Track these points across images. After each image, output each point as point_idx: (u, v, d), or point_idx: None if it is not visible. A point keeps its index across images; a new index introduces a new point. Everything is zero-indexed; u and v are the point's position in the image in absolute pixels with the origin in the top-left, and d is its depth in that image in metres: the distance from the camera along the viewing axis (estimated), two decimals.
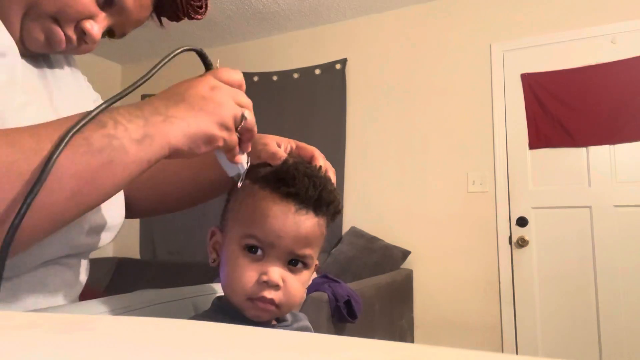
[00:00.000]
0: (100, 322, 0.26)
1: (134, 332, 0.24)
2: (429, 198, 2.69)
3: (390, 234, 2.65)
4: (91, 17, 0.56)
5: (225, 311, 0.55)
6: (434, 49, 2.79)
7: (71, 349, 0.20)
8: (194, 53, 0.53)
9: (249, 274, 0.51)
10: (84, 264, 0.64)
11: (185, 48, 0.51)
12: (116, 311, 0.56)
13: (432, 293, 2.62)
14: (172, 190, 0.74)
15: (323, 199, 0.54)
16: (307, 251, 0.54)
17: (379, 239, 2.59)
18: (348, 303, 1.73)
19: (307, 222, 0.53)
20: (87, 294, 0.64)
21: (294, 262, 0.54)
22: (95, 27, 0.57)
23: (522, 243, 2.45)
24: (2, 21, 0.53)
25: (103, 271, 3.23)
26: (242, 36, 3.32)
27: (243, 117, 0.49)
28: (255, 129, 0.53)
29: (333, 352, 0.21)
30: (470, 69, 2.68)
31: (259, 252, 0.52)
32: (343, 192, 2.85)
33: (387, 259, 2.48)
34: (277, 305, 0.52)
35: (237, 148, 0.51)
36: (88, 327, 0.24)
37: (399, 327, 2.41)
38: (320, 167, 0.57)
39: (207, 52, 0.55)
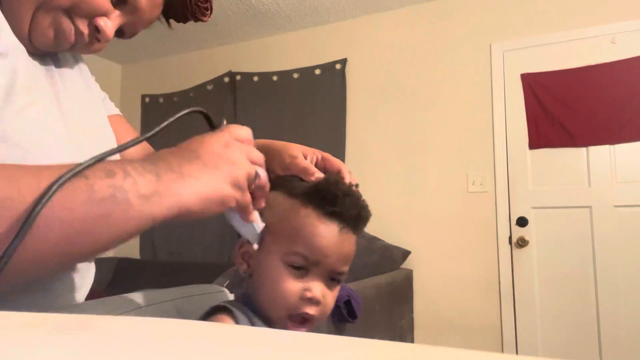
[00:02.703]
0: (100, 322, 0.26)
1: (134, 332, 0.24)
2: (429, 198, 2.69)
3: (390, 234, 2.65)
4: (105, 14, 0.56)
5: (250, 307, 0.56)
6: (434, 49, 2.79)
7: (71, 349, 0.20)
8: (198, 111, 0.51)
9: (293, 290, 0.52)
10: (90, 267, 0.63)
11: (192, 110, 0.48)
12: (116, 311, 0.56)
13: (432, 293, 2.62)
14: None
15: (361, 217, 0.56)
16: (345, 268, 0.56)
17: (379, 239, 2.59)
18: (348, 303, 1.73)
19: (349, 241, 0.55)
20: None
21: (331, 279, 0.55)
22: (109, 24, 0.56)
23: (522, 243, 2.45)
24: (13, 15, 0.52)
25: (103, 271, 3.23)
26: (242, 36, 3.32)
27: (257, 175, 0.48)
28: (268, 186, 0.51)
29: (333, 352, 0.21)
30: (470, 69, 2.68)
31: (302, 268, 0.53)
32: None
33: (387, 259, 2.48)
34: (314, 321, 0.54)
35: (250, 207, 0.49)
36: (88, 327, 0.24)
37: (399, 327, 2.41)
38: (357, 185, 0.58)
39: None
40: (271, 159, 0.62)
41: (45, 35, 0.54)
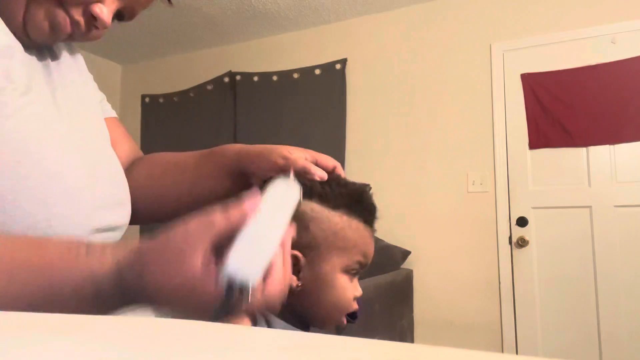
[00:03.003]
0: (100, 322, 0.26)
1: (134, 332, 0.24)
2: (429, 198, 2.69)
3: (390, 234, 2.65)
4: (99, 0, 0.54)
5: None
6: (434, 49, 2.79)
7: (71, 349, 0.20)
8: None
9: (350, 293, 0.59)
10: None
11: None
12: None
13: (432, 293, 2.62)
14: (170, 193, 0.72)
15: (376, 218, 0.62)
16: None
17: (379, 239, 2.59)
18: None
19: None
20: None
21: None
22: (105, 11, 0.54)
23: (522, 243, 2.45)
24: (6, 9, 0.51)
25: None
26: (242, 36, 3.32)
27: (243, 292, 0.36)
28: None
29: (333, 352, 0.21)
30: (470, 69, 2.68)
31: (355, 273, 0.60)
32: None
33: (387, 259, 2.48)
34: None
35: None
36: (88, 327, 0.24)
37: (399, 327, 2.41)
38: (371, 187, 0.63)
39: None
40: (257, 163, 0.61)
41: (41, 28, 0.53)
